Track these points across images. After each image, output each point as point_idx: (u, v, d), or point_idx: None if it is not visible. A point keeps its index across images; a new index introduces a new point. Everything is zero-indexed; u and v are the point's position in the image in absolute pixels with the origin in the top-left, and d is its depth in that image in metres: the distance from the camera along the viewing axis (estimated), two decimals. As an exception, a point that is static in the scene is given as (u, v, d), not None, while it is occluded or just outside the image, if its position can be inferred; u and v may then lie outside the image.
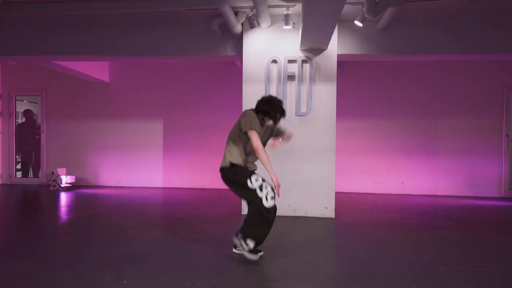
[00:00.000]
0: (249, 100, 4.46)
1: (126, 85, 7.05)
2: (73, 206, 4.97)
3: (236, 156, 2.83)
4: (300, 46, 4.34)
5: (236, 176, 2.81)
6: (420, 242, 3.32)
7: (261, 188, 2.68)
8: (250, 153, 2.89)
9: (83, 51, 4.97)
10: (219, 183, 6.88)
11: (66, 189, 6.44)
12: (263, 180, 2.73)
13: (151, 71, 6.97)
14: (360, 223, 4.12)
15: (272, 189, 2.71)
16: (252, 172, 2.80)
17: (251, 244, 2.66)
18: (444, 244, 3.27)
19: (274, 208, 2.69)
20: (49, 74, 7.03)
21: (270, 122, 2.89)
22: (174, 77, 6.94)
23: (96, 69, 6.69)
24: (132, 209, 4.80)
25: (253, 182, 2.70)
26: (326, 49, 4.37)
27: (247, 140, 2.80)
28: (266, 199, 2.66)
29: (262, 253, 2.81)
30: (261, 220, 2.66)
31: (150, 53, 4.87)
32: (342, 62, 6.25)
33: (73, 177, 6.65)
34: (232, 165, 2.83)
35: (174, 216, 4.35)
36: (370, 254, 2.93)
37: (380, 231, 3.75)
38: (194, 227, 3.78)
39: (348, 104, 6.51)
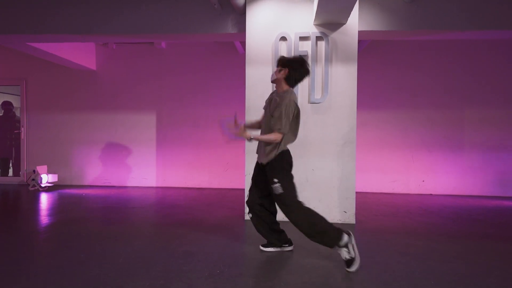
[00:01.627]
0: (253, 85, 3.79)
1: (115, 73, 6.35)
2: (51, 210, 4.29)
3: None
4: (314, 20, 3.65)
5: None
6: (471, 257, 2.65)
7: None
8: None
9: (61, 29, 4.27)
10: (218, 182, 6.23)
11: (47, 189, 5.76)
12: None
13: (143, 58, 6.28)
14: (386, 230, 3.45)
15: None
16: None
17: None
18: (503, 260, 2.60)
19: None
20: (30, 61, 6.34)
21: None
22: (169, 65, 6.25)
23: (82, 56, 5.99)
24: (117, 213, 4.13)
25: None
26: (345, 24, 3.68)
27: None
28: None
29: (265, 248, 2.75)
30: None
31: (136, 32, 4.17)
32: (358, 45, 5.56)
33: (56, 176, 5.97)
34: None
35: (165, 222, 3.68)
36: (413, 276, 2.27)
37: (414, 241, 3.08)
38: (187, 237, 3.11)
39: (362, 94, 5.80)
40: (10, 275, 2.22)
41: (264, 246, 2.76)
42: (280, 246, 2.73)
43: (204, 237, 3.12)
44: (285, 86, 2.55)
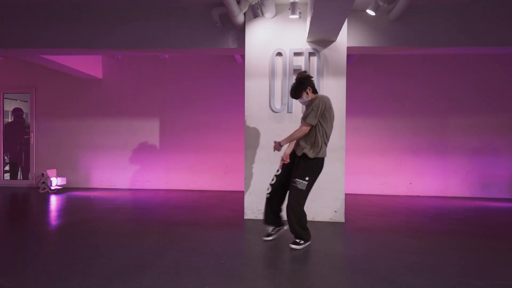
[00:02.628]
0: (252, 96, 4.15)
1: (120, 82, 6.71)
2: (63, 211, 4.62)
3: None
4: (307, 38, 4.04)
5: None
6: (442, 250, 3.02)
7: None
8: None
9: (72, 44, 4.62)
10: (218, 185, 6.59)
11: (56, 192, 6.09)
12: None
13: (147, 67, 6.64)
14: (372, 228, 3.82)
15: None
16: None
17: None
18: (470, 252, 2.98)
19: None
20: (39, 70, 6.68)
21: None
22: (172, 73, 6.61)
23: (89, 65, 6.35)
24: (125, 213, 4.47)
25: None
26: (335, 41, 4.06)
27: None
28: None
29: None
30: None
31: (144, 46, 4.54)
32: (349, 58, 5.96)
33: (64, 179, 6.30)
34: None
35: (171, 221, 4.02)
36: (390, 265, 2.63)
37: (396, 237, 3.45)
38: (192, 234, 3.45)
39: (354, 102, 6.21)
40: (29, 275, 2.56)
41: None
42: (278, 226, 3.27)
43: (207, 234, 3.47)
44: (313, 96, 3.06)
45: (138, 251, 2.90)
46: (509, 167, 5.99)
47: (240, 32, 4.38)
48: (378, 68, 6.22)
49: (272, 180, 3.19)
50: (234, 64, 6.43)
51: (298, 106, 4.12)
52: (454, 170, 6.11)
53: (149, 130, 6.66)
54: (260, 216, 4.11)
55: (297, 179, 2.96)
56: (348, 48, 4.27)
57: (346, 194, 6.13)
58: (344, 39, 4.07)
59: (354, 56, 5.87)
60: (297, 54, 4.11)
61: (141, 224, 3.88)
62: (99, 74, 6.65)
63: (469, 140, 6.08)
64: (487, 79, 6.06)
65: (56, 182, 6.09)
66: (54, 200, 5.37)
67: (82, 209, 4.72)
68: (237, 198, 5.65)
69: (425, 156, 6.17)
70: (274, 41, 4.13)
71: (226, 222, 4.03)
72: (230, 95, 6.42)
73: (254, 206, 4.17)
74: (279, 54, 4.12)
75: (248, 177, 4.19)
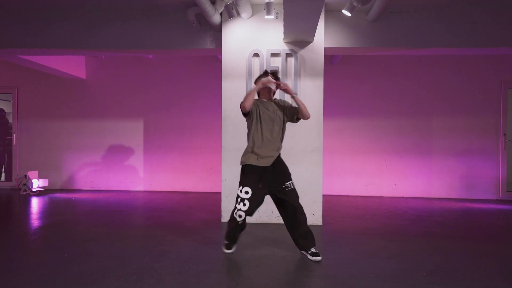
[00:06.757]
0: (229, 97, 4.10)
1: (104, 82, 6.63)
2: (39, 213, 4.56)
3: (244, 154, 2.81)
4: (284, 38, 3.98)
5: (240, 177, 2.82)
6: (414, 254, 2.98)
7: (239, 201, 2.72)
8: (261, 144, 2.76)
9: (48, 44, 4.55)
10: (203, 186, 6.53)
11: (38, 194, 6.02)
12: (248, 199, 2.68)
13: (131, 68, 6.57)
14: (349, 231, 3.78)
15: (245, 211, 2.72)
16: (251, 182, 2.70)
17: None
18: (441, 256, 2.94)
19: (235, 220, 2.81)
20: (21, 70, 6.58)
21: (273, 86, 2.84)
22: (156, 74, 6.54)
23: (72, 66, 6.26)
24: (102, 216, 4.40)
25: (241, 192, 2.71)
26: (312, 42, 4.01)
27: (257, 127, 2.77)
28: (235, 212, 2.78)
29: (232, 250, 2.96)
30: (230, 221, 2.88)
31: (121, 47, 4.47)
32: (333, 57, 5.92)
33: (47, 180, 6.22)
34: (243, 165, 2.80)
35: (146, 224, 3.97)
36: (357, 271, 2.59)
37: (370, 240, 3.41)
38: (164, 238, 3.40)
39: (339, 102, 6.17)
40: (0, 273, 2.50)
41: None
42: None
43: (180, 238, 3.42)
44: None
45: (104, 256, 2.84)
46: (493, 168, 5.96)
47: (217, 33, 4.32)
48: (363, 67, 6.17)
49: (244, 205, 2.68)
50: (218, 64, 6.36)
51: (275, 108, 4.06)
52: (438, 171, 6.08)
53: (133, 131, 6.59)
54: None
55: (288, 183, 2.79)
56: (326, 49, 4.22)
57: (329, 195, 6.12)
58: (321, 40, 4.02)
59: (337, 57, 5.82)
60: (274, 55, 4.06)
61: (114, 228, 3.82)
62: (82, 75, 6.57)
63: (453, 141, 6.04)
64: (472, 79, 6.03)
65: (37, 183, 6.01)
66: (34, 202, 5.29)
67: (60, 211, 4.65)
68: (219, 200, 5.59)
69: (410, 157, 6.13)
70: (251, 42, 4.07)
71: (202, 225, 3.98)
72: (214, 95, 6.35)
73: (232, 209, 4.12)
74: (256, 55, 4.06)
75: (226, 179, 4.14)
